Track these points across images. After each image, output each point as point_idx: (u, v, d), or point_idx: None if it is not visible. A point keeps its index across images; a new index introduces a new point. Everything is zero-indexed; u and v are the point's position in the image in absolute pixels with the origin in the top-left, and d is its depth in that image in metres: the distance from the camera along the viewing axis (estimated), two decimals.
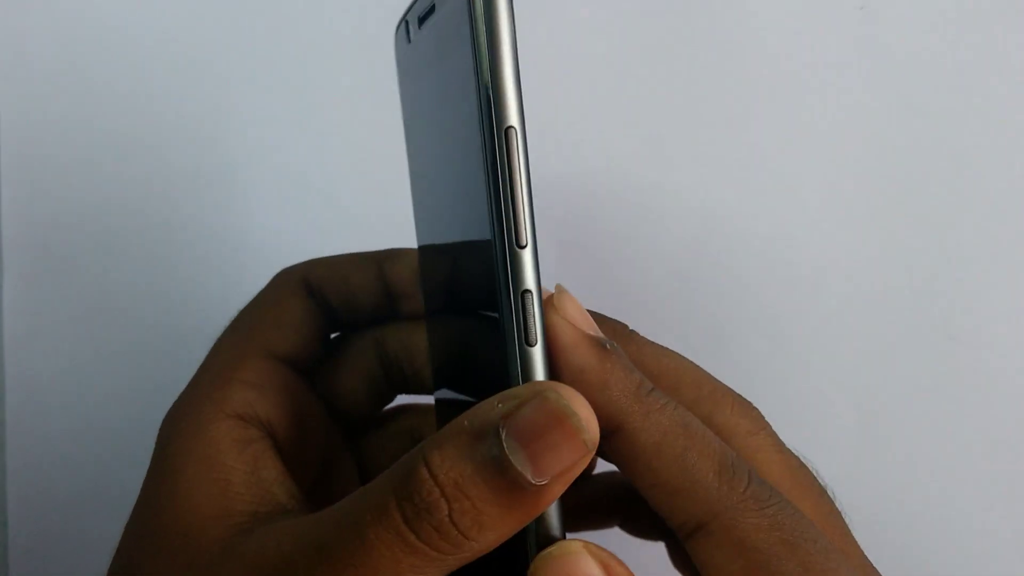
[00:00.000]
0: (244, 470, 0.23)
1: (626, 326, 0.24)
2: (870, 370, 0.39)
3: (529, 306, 0.20)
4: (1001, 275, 0.39)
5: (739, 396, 0.24)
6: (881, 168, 0.40)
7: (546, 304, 0.20)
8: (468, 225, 0.21)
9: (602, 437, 0.20)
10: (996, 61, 0.40)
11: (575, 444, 0.19)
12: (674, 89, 0.40)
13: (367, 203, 0.39)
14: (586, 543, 0.20)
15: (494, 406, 0.19)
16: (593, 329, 0.21)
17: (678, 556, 0.26)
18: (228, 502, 0.22)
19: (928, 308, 0.39)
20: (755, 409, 0.24)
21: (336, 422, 0.28)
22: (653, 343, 0.24)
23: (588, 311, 0.22)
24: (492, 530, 0.19)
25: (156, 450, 0.24)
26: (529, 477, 0.18)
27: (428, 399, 0.27)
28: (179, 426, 0.24)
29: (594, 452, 0.19)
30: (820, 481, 0.24)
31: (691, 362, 0.24)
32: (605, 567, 0.20)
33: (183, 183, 0.39)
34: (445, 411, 0.25)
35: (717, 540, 0.20)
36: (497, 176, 0.19)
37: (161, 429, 0.25)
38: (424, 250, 0.25)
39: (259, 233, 0.40)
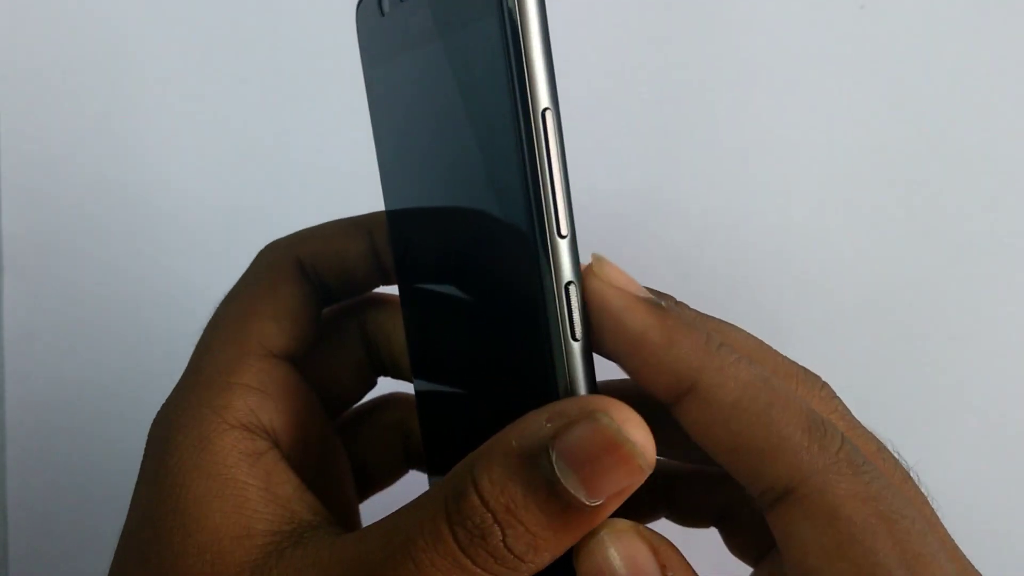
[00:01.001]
0: (259, 486, 0.21)
1: (673, 298, 0.22)
2: (870, 370, 0.39)
3: (574, 299, 0.19)
4: (1001, 275, 0.39)
5: (807, 372, 0.21)
6: (881, 168, 0.40)
7: (587, 273, 0.19)
8: (487, 213, 0.20)
9: (673, 402, 0.19)
10: (996, 61, 0.40)
11: (631, 468, 0.18)
12: (673, 89, 0.40)
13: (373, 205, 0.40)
14: (636, 524, 0.19)
15: (542, 424, 0.18)
16: (642, 292, 0.20)
17: (735, 540, 0.24)
18: (248, 521, 0.21)
19: (928, 308, 0.39)
20: (825, 386, 0.21)
21: (329, 415, 0.27)
22: (705, 315, 0.22)
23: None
24: (547, 551, 0.18)
25: (149, 461, 0.22)
26: (583, 499, 0.17)
27: (407, 386, 0.27)
28: (177, 437, 0.22)
29: (651, 472, 0.18)
30: (904, 465, 0.21)
31: (750, 334, 0.22)
32: (655, 550, 0.19)
33: (184, 183, 0.39)
34: (441, 406, 0.24)
35: (806, 508, 0.18)
36: (535, 162, 0.18)
37: (152, 437, 0.23)
38: (407, 236, 0.24)
39: (262, 237, 0.40)
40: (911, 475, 0.21)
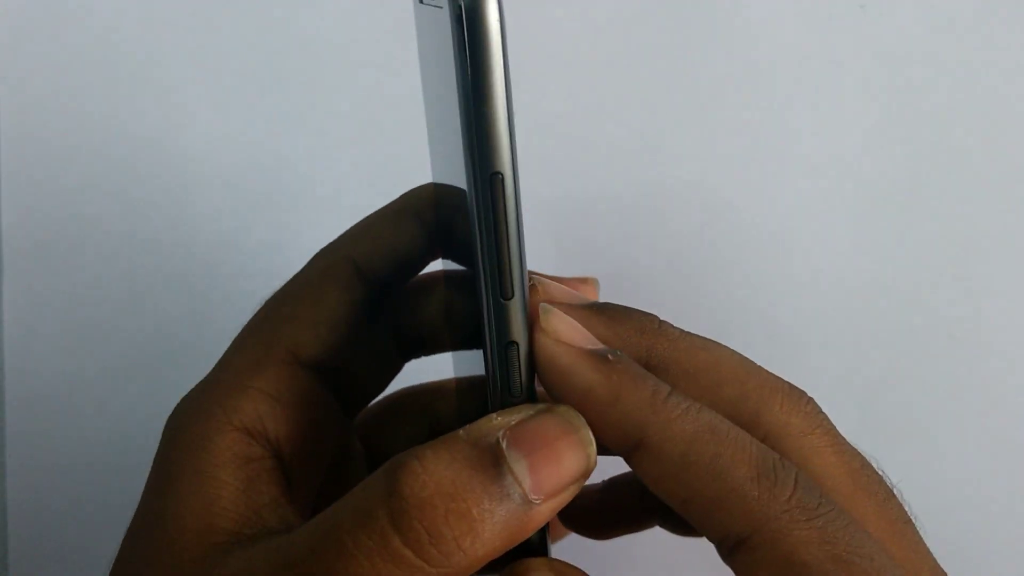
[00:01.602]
0: (237, 487, 0.21)
1: (655, 318, 0.21)
2: (870, 370, 0.39)
3: (515, 359, 0.19)
4: (1002, 275, 0.39)
5: (791, 388, 0.21)
6: (881, 168, 0.40)
7: (536, 328, 0.19)
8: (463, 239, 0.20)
9: (625, 456, 0.19)
10: (997, 61, 0.40)
11: (579, 457, 0.18)
12: (673, 88, 0.40)
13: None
14: (550, 561, 0.19)
15: (493, 418, 0.19)
16: (591, 342, 0.20)
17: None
18: (212, 519, 0.21)
19: (928, 308, 0.39)
20: (810, 402, 0.21)
21: (353, 408, 0.26)
22: (688, 335, 0.21)
23: (609, 305, 0.21)
24: (482, 544, 0.18)
25: (159, 454, 0.23)
26: (527, 491, 0.18)
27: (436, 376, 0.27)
28: (182, 434, 0.22)
29: (591, 473, 0.19)
30: (887, 483, 0.21)
31: (733, 352, 0.22)
32: None
33: (185, 183, 0.39)
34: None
35: (760, 556, 0.18)
36: (482, 223, 0.18)
37: (166, 429, 0.23)
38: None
39: (261, 237, 0.40)
40: (894, 493, 0.21)
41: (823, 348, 0.39)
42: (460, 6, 0.16)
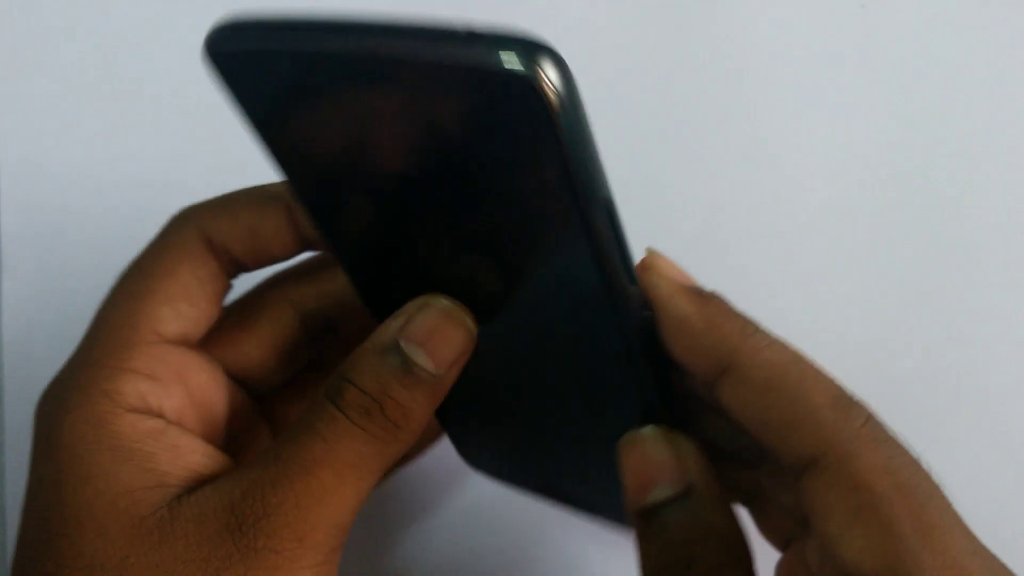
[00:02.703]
0: (167, 457, 0.22)
1: (717, 292, 0.23)
2: (871, 370, 0.39)
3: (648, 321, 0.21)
4: (1002, 274, 0.39)
5: (850, 397, 0.21)
6: (880, 168, 0.40)
7: (640, 266, 0.21)
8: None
9: (711, 381, 0.21)
10: (997, 60, 0.40)
11: (461, 329, 0.22)
12: (673, 88, 0.40)
13: None
14: (666, 429, 0.22)
15: (389, 326, 0.22)
16: (690, 282, 0.22)
17: (764, 522, 0.25)
18: (160, 478, 0.22)
19: (929, 307, 0.39)
20: (869, 418, 0.21)
21: (246, 393, 0.27)
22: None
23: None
24: (416, 416, 0.22)
25: (42, 440, 0.23)
26: (431, 370, 0.22)
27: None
28: (70, 417, 0.22)
29: (476, 335, 0.22)
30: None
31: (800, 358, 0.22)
32: (678, 452, 0.21)
33: (186, 183, 0.39)
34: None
35: (829, 477, 0.19)
36: (605, 231, 0.19)
37: (43, 414, 0.23)
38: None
39: None
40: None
41: (823, 347, 0.39)
42: (520, 77, 0.15)
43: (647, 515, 0.21)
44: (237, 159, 0.41)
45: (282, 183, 0.24)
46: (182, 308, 0.24)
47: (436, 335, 0.22)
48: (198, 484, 0.22)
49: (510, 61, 0.15)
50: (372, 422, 0.22)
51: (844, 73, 0.40)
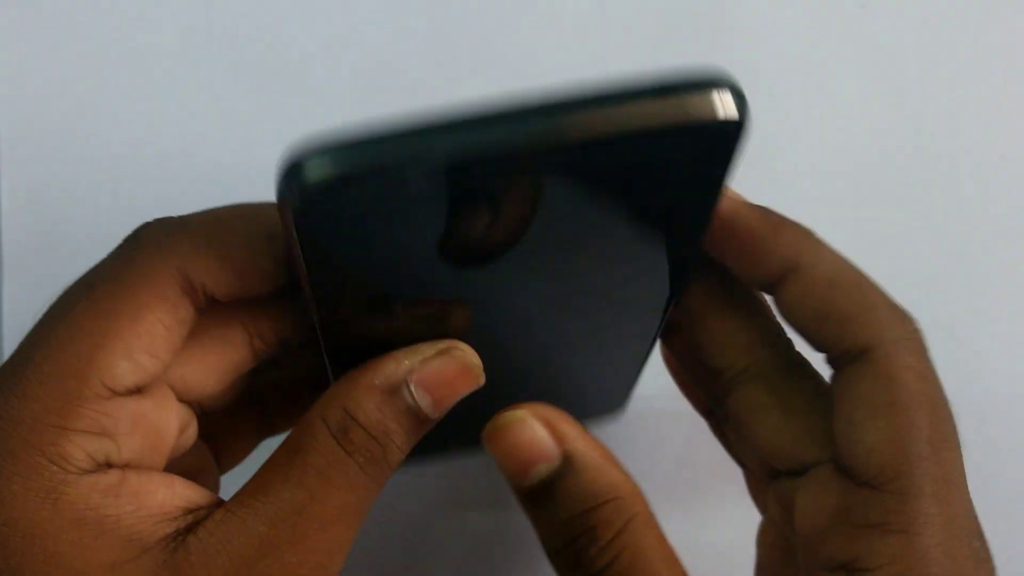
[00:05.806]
0: (133, 511, 0.20)
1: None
2: None
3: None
4: (1002, 274, 0.39)
5: (903, 312, 0.23)
6: (880, 168, 0.40)
7: None
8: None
9: (776, 282, 0.22)
10: (997, 60, 0.40)
11: (470, 384, 0.22)
12: None
13: None
14: (532, 406, 0.22)
15: (400, 362, 0.21)
16: (748, 199, 0.23)
17: (723, 435, 0.27)
18: (139, 543, 0.20)
19: (929, 308, 0.39)
20: (916, 331, 0.22)
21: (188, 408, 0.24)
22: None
23: None
24: (402, 448, 0.22)
25: None
26: (430, 414, 0.22)
27: None
28: (13, 487, 0.19)
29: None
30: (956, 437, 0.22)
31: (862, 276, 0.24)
32: (550, 426, 0.22)
33: (186, 183, 0.39)
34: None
35: (870, 368, 0.21)
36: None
37: None
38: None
39: None
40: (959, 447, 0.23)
41: None
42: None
43: (534, 496, 0.22)
44: (238, 159, 0.41)
45: (269, 207, 0.21)
46: (142, 360, 0.21)
47: (447, 385, 0.22)
48: (178, 531, 0.20)
49: (726, 104, 0.17)
50: (374, 465, 0.21)
51: (843, 73, 0.40)
